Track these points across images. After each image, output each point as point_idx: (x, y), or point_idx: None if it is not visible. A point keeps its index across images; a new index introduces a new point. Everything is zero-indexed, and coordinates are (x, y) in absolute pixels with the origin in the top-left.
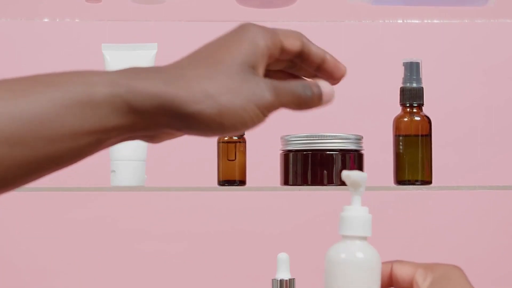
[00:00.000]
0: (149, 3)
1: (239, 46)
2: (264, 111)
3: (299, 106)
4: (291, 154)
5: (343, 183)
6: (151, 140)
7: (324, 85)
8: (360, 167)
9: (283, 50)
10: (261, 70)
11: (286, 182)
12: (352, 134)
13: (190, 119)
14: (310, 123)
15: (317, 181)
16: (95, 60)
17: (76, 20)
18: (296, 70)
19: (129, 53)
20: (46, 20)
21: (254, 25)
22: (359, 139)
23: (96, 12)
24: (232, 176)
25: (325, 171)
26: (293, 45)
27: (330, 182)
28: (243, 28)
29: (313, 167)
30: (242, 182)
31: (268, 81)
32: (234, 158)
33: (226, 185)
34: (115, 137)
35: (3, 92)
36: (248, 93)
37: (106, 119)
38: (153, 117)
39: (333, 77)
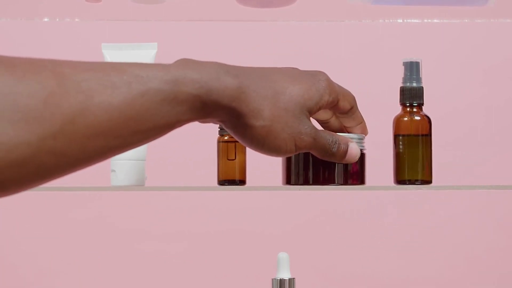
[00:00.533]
0: (149, 2)
1: (309, 91)
2: (298, 149)
3: (322, 156)
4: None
5: (345, 183)
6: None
7: (353, 146)
8: (362, 167)
9: (335, 107)
10: (311, 115)
11: (288, 181)
12: (355, 134)
13: (242, 128)
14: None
15: (319, 180)
16: (95, 60)
17: (76, 20)
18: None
19: (129, 53)
20: (46, 20)
21: (327, 78)
22: (361, 138)
23: (96, 11)
24: (232, 176)
25: (326, 171)
26: (344, 107)
27: (331, 181)
28: (319, 77)
29: (314, 166)
30: (242, 182)
31: (314, 128)
32: (234, 158)
33: (226, 185)
34: (187, 121)
35: (95, 81)
36: (294, 131)
37: (183, 115)
38: (215, 115)
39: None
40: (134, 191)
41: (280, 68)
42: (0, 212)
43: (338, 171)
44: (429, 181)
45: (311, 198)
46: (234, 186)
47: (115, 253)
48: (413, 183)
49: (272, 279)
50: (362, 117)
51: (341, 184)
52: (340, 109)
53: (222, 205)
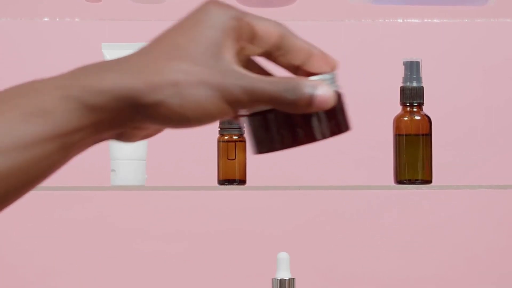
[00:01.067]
0: (149, 2)
1: (201, 30)
2: (234, 107)
3: (281, 108)
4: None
5: (328, 135)
6: (123, 139)
7: (320, 88)
8: (342, 111)
9: (255, 35)
10: (229, 55)
11: (258, 150)
12: (323, 75)
13: (149, 110)
14: None
15: (295, 141)
16: (95, 59)
17: (76, 20)
18: (276, 64)
19: (129, 53)
20: (46, 19)
21: (216, 3)
22: (332, 77)
23: (96, 11)
24: (232, 175)
25: (301, 129)
26: (268, 31)
27: (310, 139)
28: (204, 9)
29: (282, 125)
30: (242, 182)
31: (241, 75)
32: (234, 157)
33: (226, 184)
34: (81, 139)
35: None
36: (215, 85)
37: (63, 123)
38: (113, 112)
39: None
40: (134, 190)
41: (164, 33)
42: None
43: (314, 125)
44: (429, 181)
45: (311, 198)
46: (234, 185)
47: (115, 253)
48: (413, 183)
49: (272, 279)
50: (310, 44)
51: (324, 139)
52: (263, 38)
53: (222, 205)
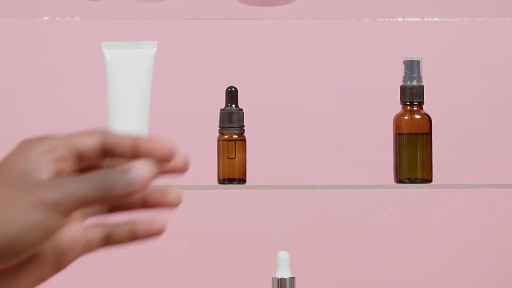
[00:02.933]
0: (149, 1)
1: (12, 162)
2: (57, 209)
3: (104, 201)
4: None
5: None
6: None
7: (138, 165)
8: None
9: (79, 151)
10: (45, 174)
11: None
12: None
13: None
14: (308, 121)
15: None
16: (95, 58)
17: (76, 19)
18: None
19: (129, 52)
20: (46, 18)
21: (28, 141)
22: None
23: (96, 10)
24: (232, 175)
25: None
26: (89, 142)
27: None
28: (17, 152)
29: None
30: (242, 181)
31: (52, 179)
32: (234, 157)
33: (226, 184)
34: None
35: None
36: (23, 198)
37: None
38: None
39: (157, 160)
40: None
41: None
42: None
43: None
44: (429, 180)
45: (311, 197)
46: (234, 185)
47: (114, 253)
48: (413, 182)
49: (273, 278)
50: (132, 136)
51: None
52: (87, 149)
53: (222, 204)
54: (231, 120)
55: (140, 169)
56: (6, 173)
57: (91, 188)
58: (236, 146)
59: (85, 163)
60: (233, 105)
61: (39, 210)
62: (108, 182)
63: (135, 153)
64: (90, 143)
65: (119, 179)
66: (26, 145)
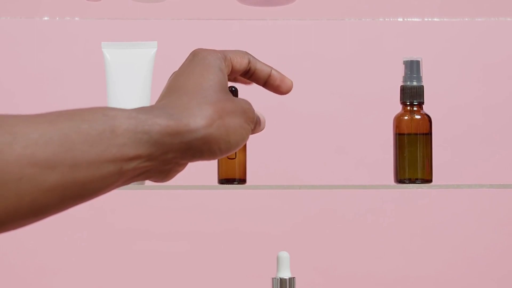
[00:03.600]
0: (149, 1)
1: (208, 73)
2: (251, 125)
3: (259, 129)
4: None
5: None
6: (163, 177)
7: (259, 113)
8: None
9: (233, 69)
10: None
11: None
12: None
13: (202, 144)
14: (308, 121)
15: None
16: (94, 58)
17: (76, 19)
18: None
19: (129, 52)
20: (46, 18)
21: (206, 49)
22: None
23: (96, 10)
24: (232, 175)
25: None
26: (241, 63)
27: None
28: (200, 55)
29: None
30: (242, 181)
31: (243, 99)
32: (234, 157)
33: (226, 184)
34: (135, 168)
35: (36, 120)
36: (239, 112)
37: (127, 148)
38: (169, 148)
39: (280, 92)
40: (134, 189)
41: (174, 79)
42: None
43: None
44: (429, 180)
45: (311, 197)
46: (234, 185)
47: (114, 252)
48: (414, 182)
49: (273, 278)
50: (269, 66)
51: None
52: (237, 69)
53: (222, 204)
54: None
55: (262, 116)
56: (208, 83)
57: (255, 117)
58: None
59: (231, 78)
60: None
61: (247, 126)
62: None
63: (267, 81)
64: (243, 63)
65: (259, 116)
66: (209, 58)
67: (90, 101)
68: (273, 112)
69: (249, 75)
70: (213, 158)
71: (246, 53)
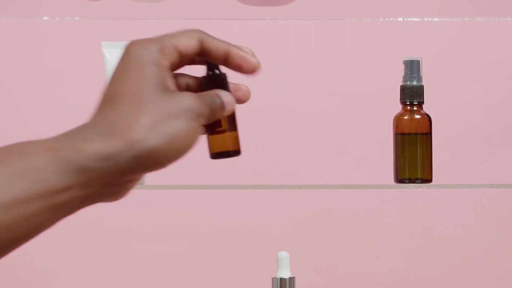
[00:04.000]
0: (149, 1)
1: (142, 73)
2: (200, 121)
3: (211, 116)
4: None
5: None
6: (114, 198)
7: (224, 94)
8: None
9: (181, 54)
10: (171, 83)
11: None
12: None
13: (146, 158)
14: (308, 121)
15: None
16: (95, 58)
17: (76, 19)
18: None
19: None
20: (46, 18)
21: (137, 43)
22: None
23: (96, 10)
24: (226, 147)
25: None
26: (188, 45)
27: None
28: (132, 53)
29: None
30: (236, 152)
31: (188, 93)
32: (223, 127)
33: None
34: (68, 200)
35: None
36: (180, 112)
37: (51, 182)
38: (106, 172)
39: (243, 72)
40: (134, 189)
41: (107, 88)
42: None
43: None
44: (429, 180)
45: (311, 197)
46: (235, 185)
47: (114, 252)
48: (413, 182)
49: (272, 278)
50: (227, 43)
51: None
52: (186, 53)
53: (222, 204)
54: None
55: (229, 97)
56: (140, 85)
57: (209, 107)
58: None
59: (182, 62)
60: None
61: (194, 124)
62: (215, 103)
63: (226, 59)
64: (191, 45)
65: (218, 102)
66: (140, 54)
67: (90, 101)
68: (273, 112)
69: (205, 56)
70: (164, 167)
71: (197, 32)
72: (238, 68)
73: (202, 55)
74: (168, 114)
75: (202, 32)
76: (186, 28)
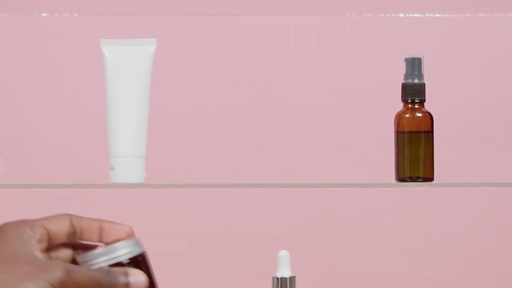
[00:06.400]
0: None
1: (5, 244)
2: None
3: None
4: None
5: None
6: None
7: (135, 273)
8: (148, 271)
9: (49, 234)
10: (39, 253)
11: None
12: (120, 243)
13: None
14: (308, 119)
15: None
16: (93, 55)
17: (75, 15)
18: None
19: (128, 49)
20: (44, 15)
21: (11, 224)
22: (134, 243)
23: (94, 7)
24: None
25: None
26: (58, 224)
27: None
28: (6, 233)
29: None
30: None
31: (60, 262)
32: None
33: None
34: None
35: None
36: (39, 274)
37: None
38: None
39: (119, 239)
40: (133, 188)
41: None
42: None
43: None
44: (430, 178)
45: (312, 196)
46: (235, 184)
47: None
48: (415, 181)
49: (273, 278)
50: (98, 219)
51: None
52: (58, 232)
53: (222, 203)
54: None
55: (139, 277)
56: (8, 250)
57: (93, 281)
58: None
59: (57, 242)
60: None
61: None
62: (109, 280)
63: (101, 234)
64: (62, 225)
65: (119, 281)
66: (12, 229)
67: (89, 98)
68: (273, 111)
69: (79, 236)
70: None
71: (67, 214)
72: (114, 237)
73: (76, 236)
74: (23, 275)
75: (73, 214)
76: (58, 214)
